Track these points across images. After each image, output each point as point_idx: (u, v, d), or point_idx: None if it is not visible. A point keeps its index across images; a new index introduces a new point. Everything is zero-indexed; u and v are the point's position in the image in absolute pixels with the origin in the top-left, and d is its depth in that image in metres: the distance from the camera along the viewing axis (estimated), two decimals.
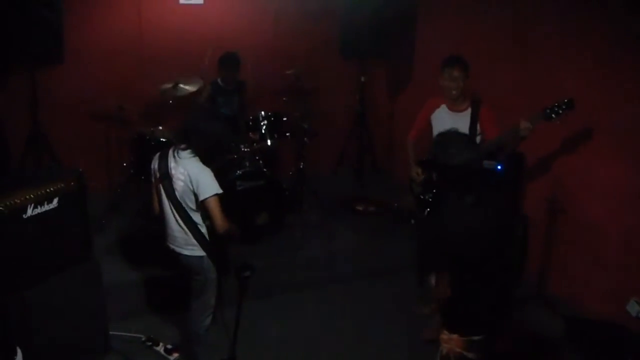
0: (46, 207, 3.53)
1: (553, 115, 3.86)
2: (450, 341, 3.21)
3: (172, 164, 3.62)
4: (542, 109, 3.90)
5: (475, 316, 3.19)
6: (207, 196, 3.50)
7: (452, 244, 3.14)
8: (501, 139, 4.12)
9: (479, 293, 3.16)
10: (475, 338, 3.17)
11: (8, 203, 3.30)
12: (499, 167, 4.88)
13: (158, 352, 4.23)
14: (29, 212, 3.42)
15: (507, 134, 4.06)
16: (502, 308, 3.34)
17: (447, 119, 4.25)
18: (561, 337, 4.48)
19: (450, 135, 3.26)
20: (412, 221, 5.00)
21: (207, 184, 3.51)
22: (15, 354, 3.16)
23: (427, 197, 4.35)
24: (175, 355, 4.20)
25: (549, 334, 4.55)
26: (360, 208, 6.45)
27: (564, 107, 3.85)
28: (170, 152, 3.67)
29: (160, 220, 3.79)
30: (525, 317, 4.80)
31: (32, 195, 3.43)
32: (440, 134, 3.30)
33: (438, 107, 4.37)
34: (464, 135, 3.40)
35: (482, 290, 3.16)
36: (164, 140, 5.41)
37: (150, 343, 4.29)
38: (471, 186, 3.18)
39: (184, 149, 3.60)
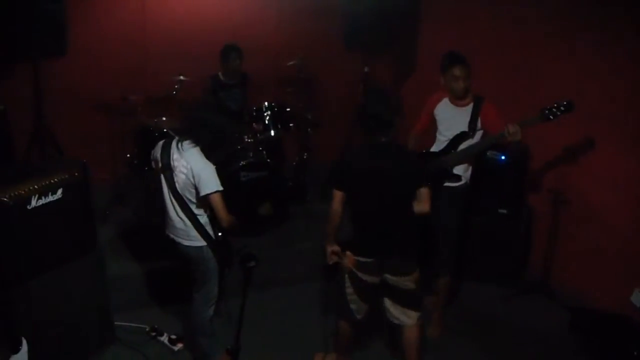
0: (50, 198, 3.53)
1: (551, 116, 3.79)
2: (344, 257, 3.64)
3: (174, 155, 3.61)
4: (540, 110, 3.83)
5: (362, 241, 3.62)
6: (208, 192, 3.50)
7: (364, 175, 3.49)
8: (485, 143, 4.12)
9: (369, 223, 3.59)
10: (362, 259, 3.58)
11: (12, 194, 3.30)
12: (503, 158, 4.90)
13: (162, 343, 4.25)
14: (33, 203, 3.43)
15: (493, 138, 4.03)
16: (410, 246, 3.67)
17: (449, 113, 4.23)
18: (565, 328, 4.49)
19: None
20: None
21: (209, 181, 3.51)
22: (21, 344, 3.17)
23: None
24: (180, 345, 4.22)
25: (553, 325, 4.56)
26: None
27: (562, 108, 3.77)
28: (174, 143, 3.65)
29: (162, 209, 3.79)
30: (529, 307, 4.81)
31: (36, 187, 3.44)
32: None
33: (440, 100, 4.33)
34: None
35: (372, 221, 3.57)
36: (167, 131, 5.41)
37: (154, 333, 4.31)
38: None
39: (188, 143, 3.59)
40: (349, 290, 3.69)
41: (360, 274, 3.62)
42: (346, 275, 3.68)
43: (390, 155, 3.48)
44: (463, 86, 4.11)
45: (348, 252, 3.62)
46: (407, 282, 3.63)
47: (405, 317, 3.74)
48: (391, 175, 3.45)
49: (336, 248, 3.65)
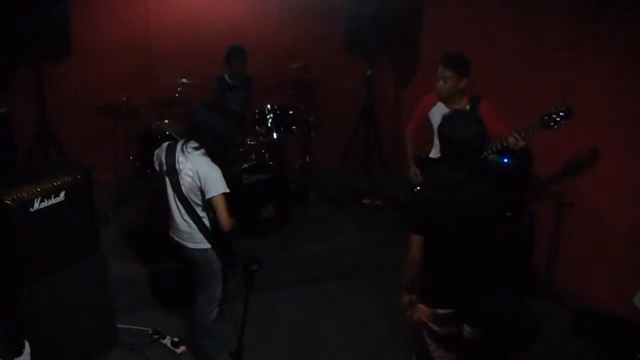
0: (53, 201, 3.53)
1: (552, 123, 3.70)
2: (418, 310, 3.21)
3: (180, 158, 3.61)
4: (539, 117, 3.77)
5: (442, 290, 3.16)
6: (214, 194, 3.49)
7: (438, 215, 3.04)
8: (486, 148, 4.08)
9: (452, 270, 3.12)
10: (440, 311, 3.15)
11: (15, 197, 3.30)
12: (505, 161, 4.89)
13: (165, 345, 4.24)
14: (36, 205, 3.43)
15: (493, 145, 4.00)
16: (477, 294, 3.24)
17: None
18: (568, 330, 4.47)
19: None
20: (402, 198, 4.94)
21: (215, 183, 3.50)
22: (23, 347, 3.17)
23: None
24: (182, 348, 4.21)
25: (556, 327, 4.55)
26: (366, 201, 6.45)
27: (561, 114, 3.69)
28: (179, 146, 3.65)
29: (165, 211, 3.79)
30: (532, 309, 4.80)
31: (39, 189, 3.44)
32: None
33: (435, 103, 4.27)
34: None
35: (456, 268, 3.12)
36: (170, 133, 5.42)
37: (157, 336, 4.30)
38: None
39: (193, 146, 3.59)
40: (432, 347, 3.22)
41: (436, 328, 3.17)
42: (424, 332, 3.22)
43: (477, 201, 3.01)
44: (443, 86, 4.08)
45: (422, 306, 3.19)
46: (477, 331, 3.24)
47: None
48: (479, 224, 3.05)
49: (413, 298, 3.24)
